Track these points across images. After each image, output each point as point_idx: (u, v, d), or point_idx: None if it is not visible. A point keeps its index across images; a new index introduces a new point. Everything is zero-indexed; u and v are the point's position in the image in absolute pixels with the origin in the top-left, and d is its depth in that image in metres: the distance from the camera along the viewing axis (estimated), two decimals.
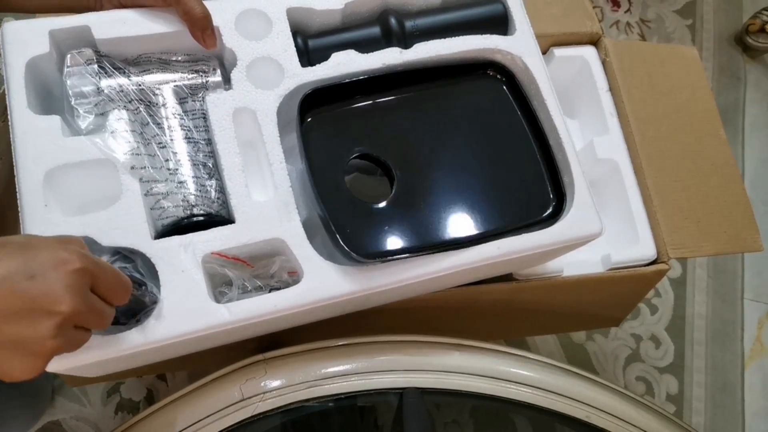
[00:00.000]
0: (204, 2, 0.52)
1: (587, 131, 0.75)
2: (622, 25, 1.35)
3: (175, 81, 0.52)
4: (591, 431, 0.58)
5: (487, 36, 0.58)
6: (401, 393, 0.57)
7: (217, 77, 0.54)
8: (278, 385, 0.55)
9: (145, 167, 0.49)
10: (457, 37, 0.57)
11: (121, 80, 0.51)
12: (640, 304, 1.12)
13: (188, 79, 0.53)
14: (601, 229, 0.54)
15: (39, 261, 0.36)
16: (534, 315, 0.78)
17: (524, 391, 0.58)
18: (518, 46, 0.58)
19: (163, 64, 0.53)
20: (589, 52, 0.74)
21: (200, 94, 0.53)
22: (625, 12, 1.36)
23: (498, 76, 0.58)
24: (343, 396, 0.56)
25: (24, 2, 0.55)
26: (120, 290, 0.41)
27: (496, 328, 0.86)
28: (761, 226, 0.69)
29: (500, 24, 0.60)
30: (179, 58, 0.54)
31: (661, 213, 0.67)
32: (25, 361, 0.37)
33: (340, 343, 0.58)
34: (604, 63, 0.73)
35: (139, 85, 0.51)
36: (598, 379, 0.61)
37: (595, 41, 0.74)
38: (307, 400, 0.55)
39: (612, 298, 0.75)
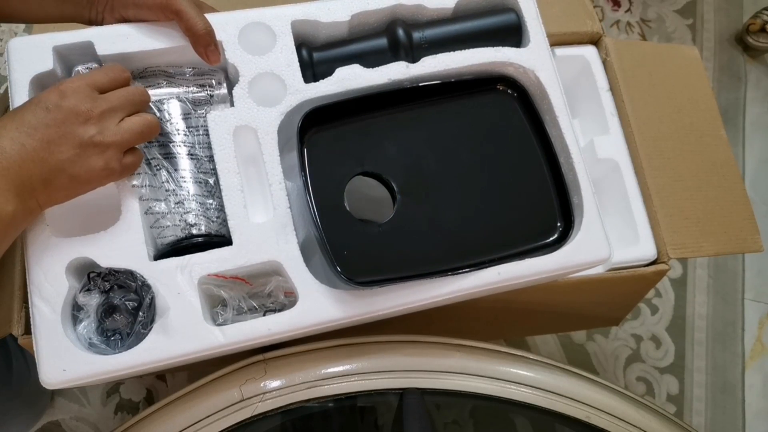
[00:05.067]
0: (208, 15, 0.52)
1: (588, 131, 0.75)
2: (622, 24, 1.35)
3: (180, 95, 0.52)
4: (591, 431, 0.58)
5: (499, 48, 0.56)
6: (401, 393, 0.57)
7: (223, 90, 0.53)
8: (278, 386, 0.55)
9: (145, 186, 0.49)
10: (466, 50, 0.55)
11: None
12: (640, 304, 1.12)
13: (194, 93, 0.53)
14: (610, 254, 0.52)
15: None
16: (534, 315, 0.78)
17: (524, 391, 0.58)
18: (531, 59, 0.56)
19: (169, 77, 0.53)
20: (589, 52, 0.74)
21: (204, 110, 0.52)
22: (626, 12, 1.36)
23: (509, 91, 0.56)
24: (343, 396, 0.55)
25: (25, 14, 0.55)
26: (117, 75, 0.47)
27: (496, 328, 0.86)
28: (762, 226, 0.69)
29: (513, 35, 0.57)
30: (185, 71, 0.54)
31: (661, 213, 0.67)
32: (97, 160, 0.44)
33: (340, 343, 0.58)
34: (604, 63, 0.73)
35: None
36: (598, 380, 0.61)
37: (595, 41, 0.74)
38: (307, 401, 0.55)
39: (612, 298, 0.75)
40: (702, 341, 1.13)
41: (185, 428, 0.54)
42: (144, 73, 0.53)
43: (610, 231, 0.54)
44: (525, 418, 0.65)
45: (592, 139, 0.71)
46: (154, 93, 0.51)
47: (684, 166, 0.69)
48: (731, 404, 1.10)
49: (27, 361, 0.76)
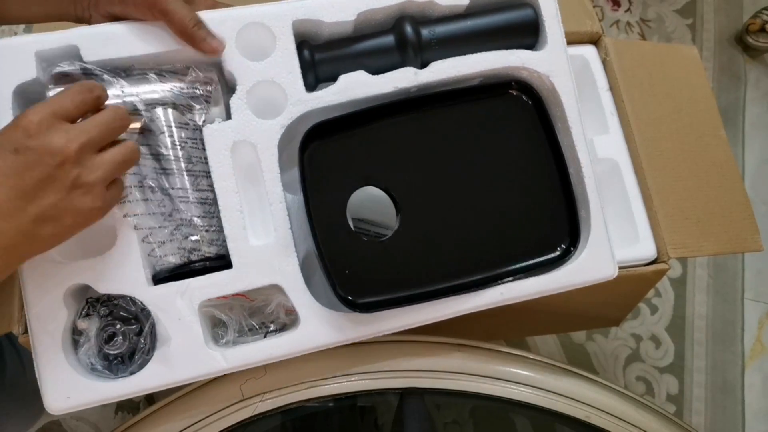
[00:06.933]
0: (202, 13, 0.49)
1: (587, 131, 0.75)
2: (622, 24, 1.35)
3: (171, 98, 0.48)
4: (591, 431, 0.58)
5: (513, 51, 0.52)
6: (401, 393, 0.57)
7: (218, 90, 0.50)
8: (278, 385, 0.55)
9: (138, 215, 0.47)
10: (477, 54, 0.52)
11: (114, 98, 0.46)
12: (640, 303, 1.12)
13: (186, 94, 0.49)
14: (614, 272, 0.51)
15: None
16: (534, 315, 0.78)
17: (524, 391, 0.58)
18: (548, 64, 0.52)
19: (159, 76, 0.49)
20: (589, 52, 0.73)
21: (198, 116, 0.49)
22: (626, 11, 1.36)
23: (523, 97, 0.53)
24: (343, 396, 0.55)
25: (6, 15, 0.52)
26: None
27: (496, 328, 0.86)
28: (761, 226, 0.69)
29: (530, 33, 0.53)
30: (176, 70, 0.50)
31: (661, 213, 0.67)
32: (84, 205, 0.40)
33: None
34: (604, 62, 0.73)
35: (135, 108, 0.47)
36: (598, 379, 0.61)
37: (595, 41, 0.74)
38: (307, 400, 0.55)
39: (612, 298, 0.75)
40: (702, 341, 1.13)
41: (185, 428, 0.54)
42: (131, 71, 0.48)
43: (610, 230, 0.54)
44: (525, 417, 0.65)
45: (591, 139, 0.71)
46: (142, 90, 0.47)
47: (684, 166, 0.69)
48: (731, 404, 1.10)
49: (22, 361, 0.76)
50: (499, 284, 0.50)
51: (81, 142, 0.39)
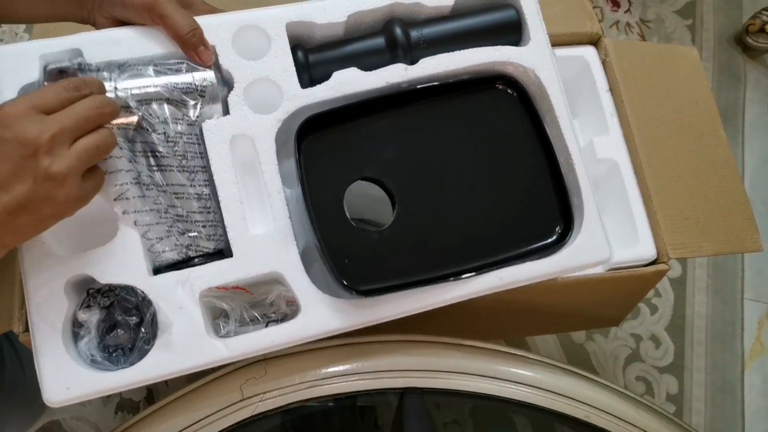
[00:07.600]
0: (200, 18, 0.50)
1: (587, 131, 0.75)
2: (622, 25, 1.35)
3: (166, 92, 0.48)
4: (591, 431, 0.58)
5: (498, 47, 0.55)
6: (401, 393, 0.57)
7: (213, 85, 0.50)
8: (278, 385, 0.55)
9: (136, 211, 0.47)
10: (465, 50, 0.54)
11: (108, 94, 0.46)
12: (640, 303, 1.12)
13: (181, 89, 0.49)
14: (610, 254, 0.52)
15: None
16: (533, 315, 0.78)
17: (524, 390, 0.58)
18: (532, 58, 0.55)
19: (154, 68, 0.49)
20: (589, 53, 0.74)
21: (193, 112, 0.49)
22: (625, 12, 1.36)
23: (509, 90, 0.55)
24: (343, 396, 0.56)
25: (12, 14, 0.52)
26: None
27: (496, 328, 0.86)
28: (761, 226, 0.69)
29: (513, 32, 0.56)
30: (172, 67, 0.50)
31: (660, 213, 0.67)
32: (59, 198, 0.40)
33: (340, 343, 0.58)
34: (604, 63, 0.73)
35: (128, 105, 0.47)
36: (597, 379, 0.61)
37: (595, 41, 0.74)
38: (307, 400, 0.55)
39: (612, 298, 0.75)
40: (701, 341, 1.13)
41: (185, 428, 0.54)
42: (125, 66, 0.48)
43: (610, 231, 0.54)
44: (525, 417, 0.65)
45: (591, 140, 0.71)
46: (136, 85, 0.47)
47: (683, 166, 0.69)
48: (731, 404, 1.10)
49: (21, 361, 0.76)
50: (497, 269, 0.51)
51: (53, 132, 0.39)
